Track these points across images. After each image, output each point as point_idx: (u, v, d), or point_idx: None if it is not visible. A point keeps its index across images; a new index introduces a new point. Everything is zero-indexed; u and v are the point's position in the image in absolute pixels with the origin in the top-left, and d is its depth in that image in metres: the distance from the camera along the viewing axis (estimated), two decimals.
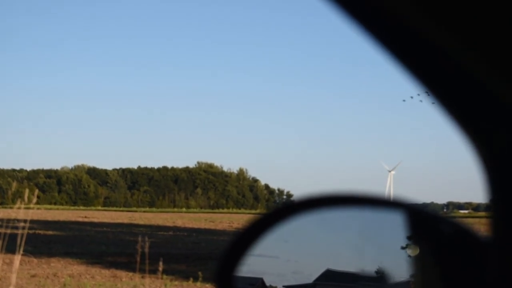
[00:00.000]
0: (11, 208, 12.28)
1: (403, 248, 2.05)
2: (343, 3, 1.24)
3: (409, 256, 2.04)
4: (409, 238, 2.02)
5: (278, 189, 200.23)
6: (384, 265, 2.12)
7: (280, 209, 2.21)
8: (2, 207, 14.09)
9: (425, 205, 2.05)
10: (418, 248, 1.99)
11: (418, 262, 2.01)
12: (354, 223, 2.14)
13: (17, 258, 11.78)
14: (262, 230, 2.13)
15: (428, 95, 1.46)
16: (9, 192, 15.11)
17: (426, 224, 1.98)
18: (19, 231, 11.92)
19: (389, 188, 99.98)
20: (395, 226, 2.01)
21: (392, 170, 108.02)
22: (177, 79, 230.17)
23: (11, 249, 11.83)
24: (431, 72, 1.36)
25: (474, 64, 1.15)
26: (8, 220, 11.82)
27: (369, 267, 2.14)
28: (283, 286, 2.32)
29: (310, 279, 2.23)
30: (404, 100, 49.75)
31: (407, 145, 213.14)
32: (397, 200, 2.00)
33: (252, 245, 2.14)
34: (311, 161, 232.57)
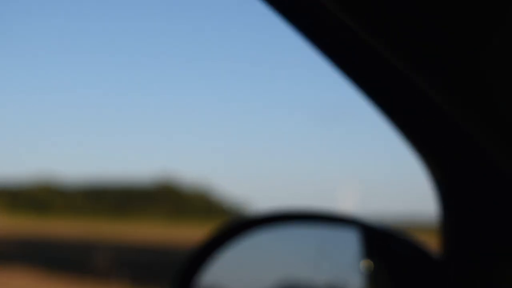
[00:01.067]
0: None
1: (356, 265, 2.06)
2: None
3: (363, 272, 2.05)
4: (363, 254, 2.04)
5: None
6: (337, 281, 2.12)
7: (236, 226, 2.21)
8: None
9: (379, 222, 2.06)
10: (372, 264, 2.00)
11: (372, 279, 2.03)
12: (308, 239, 2.14)
13: None
14: (217, 247, 2.12)
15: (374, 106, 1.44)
16: None
17: (379, 241, 1.99)
18: None
19: (343, 203, 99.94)
20: (349, 242, 2.02)
21: (347, 185, 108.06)
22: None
23: None
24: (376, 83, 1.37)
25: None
26: None
27: (321, 283, 2.14)
28: None
29: None
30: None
31: (361, 159, 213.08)
32: (351, 217, 2.01)
33: (208, 263, 2.13)
34: (264, 173, 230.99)
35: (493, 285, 1.42)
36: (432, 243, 1.83)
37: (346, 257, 2.11)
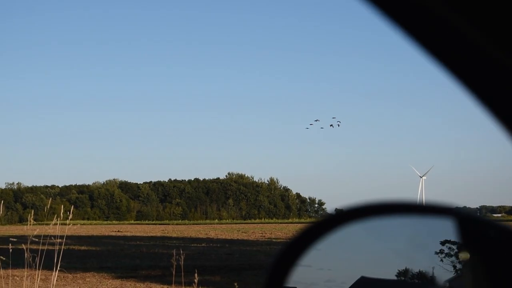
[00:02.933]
0: (46, 224, 12.34)
1: (445, 252, 2.02)
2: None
3: (459, 262, 2.01)
4: (459, 244, 1.99)
5: (310, 198, 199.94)
6: (424, 270, 2.09)
7: (331, 218, 2.19)
8: (37, 224, 14.16)
9: (473, 211, 2.01)
10: (469, 253, 1.95)
11: (469, 268, 1.97)
12: (397, 231, 2.12)
13: (54, 275, 11.85)
14: (311, 239, 2.11)
15: (470, 94, 1.43)
16: (45, 209, 15.20)
17: (476, 229, 1.94)
18: (55, 247, 11.99)
19: (421, 193, 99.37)
20: (443, 232, 1.99)
21: (424, 175, 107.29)
22: (205, 92, 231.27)
23: (46, 265, 11.90)
24: (471, 71, 1.33)
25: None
26: (44, 237, 11.89)
27: (408, 273, 2.11)
28: None
29: (343, 287, 2.21)
30: (307, 128, 50.89)
31: (438, 150, 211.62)
32: (445, 207, 1.97)
33: (302, 255, 2.13)
34: (341, 169, 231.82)
35: None
36: None
37: (438, 246, 2.07)
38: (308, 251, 2.12)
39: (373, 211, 2.02)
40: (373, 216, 2.03)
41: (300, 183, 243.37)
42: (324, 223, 2.13)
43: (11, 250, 11.47)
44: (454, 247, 1.98)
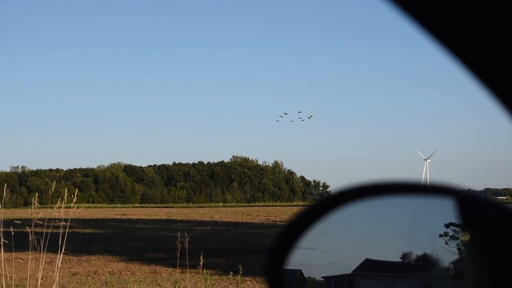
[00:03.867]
0: (51, 208, 12.35)
1: (450, 235, 2.01)
2: None
3: (460, 243, 1.99)
4: (459, 224, 1.97)
5: (314, 181, 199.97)
6: (428, 252, 2.08)
7: (327, 199, 2.18)
8: (42, 207, 14.16)
9: (478, 193, 2.00)
10: (469, 234, 1.94)
11: (469, 249, 1.96)
12: (400, 211, 2.10)
13: (59, 257, 11.87)
14: (309, 221, 2.10)
15: (474, 78, 1.42)
16: (49, 192, 15.22)
17: (477, 209, 1.93)
18: (60, 231, 12.01)
19: (425, 176, 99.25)
20: (444, 213, 1.97)
21: (428, 158, 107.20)
22: (209, 75, 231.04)
23: (51, 248, 11.92)
24: (476, 54, 1.32)
25: None
26: (49, 220, 11.90)
27: (412, 255, 2.10)
28: (322, 277, 2.29)
29: (348, 270, 2.21)
30: (277, 121, 51.30)
31: (442, 132, 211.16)
32: (446, 186, 1.95)
33: (300, 237, 2.11)
34: (344, 151, 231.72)
35: None
36: None
37: (441, 227, 2.05)
38: (307, 233, 2.11)
39: (373, 191, 2.00)
40: (373, 196, 2.01)
41: (305, 166, 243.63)
42: (322, 204, 2.12)
43: (13, 233, 11.48)
44: (458, 229, 1.97)
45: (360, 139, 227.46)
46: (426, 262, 2.08)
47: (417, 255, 2.08)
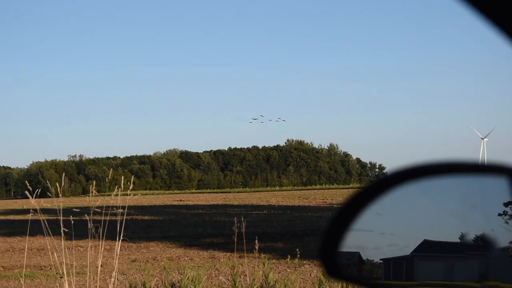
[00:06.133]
0: (108, 195, 12.48)
1: (509, 214, 1.97)
2: None
3: None
4: None
5: (370, 163, 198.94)
6: (486, 232, 2.04)
7: (379, 181, 2.15)
8: (100, 195, 14.32)
9: None
10: None
11: None
12: (456, 191, 2.06)
13: (118, 244, 12.00)
14: (363, 204, 2.07)
15: None
16: (107, 180, 15.46)
17: None
18: (118, 218, 12.14)
19: (482, 155, 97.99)
20: (499, 192, 1.93)
21: (485, 137, 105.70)
22: (257, 60, 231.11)
23: (110, 235, 12.06)
24: None
25: None
26: (107, 207, 12.04)
27: (470, 235, 2.06)
28: (380, 260, 2.27)
29: (406, 251, 2.18)
30: (250, 122, 51.31)
31: (499, 111, 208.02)
32: (500, 165, 1.91)
33: (353, 220, 2.09)
34: (400, 132, 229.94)
35: None
36: None
37: (495, 207, 2.01)
38: (361, 216, 2.09)
39: (425, 172, 1.96)
40: (425, 177, 1.97)
41: (360, 148, 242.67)
42: (374, 187, 2.09)
43: (72, 222, 11.63)
44: (509, 206, 1.93)
45: (415, 119, 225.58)
46: (484, 242, 2.04)
47: (476, 235, 2.04)
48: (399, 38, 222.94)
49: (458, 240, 2.08)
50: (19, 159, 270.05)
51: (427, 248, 2.13)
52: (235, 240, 15.23)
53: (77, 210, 12.70)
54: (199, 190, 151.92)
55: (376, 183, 2.12)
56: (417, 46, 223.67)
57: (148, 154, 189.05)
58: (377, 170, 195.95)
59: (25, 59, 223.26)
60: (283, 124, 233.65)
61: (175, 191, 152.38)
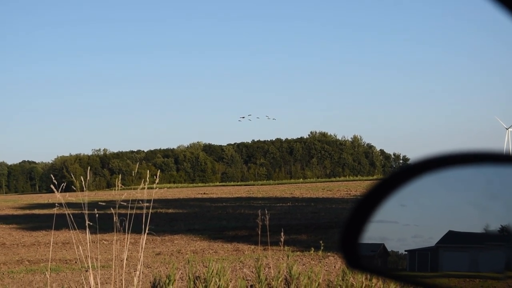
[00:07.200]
0: (134, 189, 12.53)
1: None
2: None
3: None
4: None
5: (394, 154, 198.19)
6: (510, 223, 2.03)
7: (399, 172, 2.14)
8: (125, 189, 14.38)
9: None
10: None
11: None
12: (477, 181, 2.05)
13: (143, 238, 12.04)
14: (382, 195, 2.07)
15: None
16: (133, 173, 15.66)
17: None
18: (143, 211, 12.18)
19: (507, 146, 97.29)
20: None
21: (510, 127, 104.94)
22: (282, 52, 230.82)
23: (135, 229, 12.12)
24: None
25: None
26: (132, 201, 12.09)
27: (493, 226, 2.05)
28: (405, 251, 2.27)
29: (431, 242, 2.18)
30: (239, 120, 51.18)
31: None
32: None
33: (373, 211, 2.09)
34: (424, 123, 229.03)
35: None
36: None
37: None
38: (382, 207, 2.08)
39: (448, 162, 1.95)
40: (448, 167, 1.96)
41: (384, 139, 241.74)
42: (394, 178, 2.08)
43: (97, 216, 11.68)
44: None
45: (439, 110, 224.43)
46: (508, 232, 2.03)
47: (501, 226, 2.03)
48: (421, 27, 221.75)
49: (482, 231, 2.07)
50: (44, 153, 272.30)
51: (452, 239, 2.13)
52: (259, 233, 15.24)
53: (103, 203, 12.76)
54: (223, 183, 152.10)
55: (397, 174, 2.11)
56: (440, 36, 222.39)
57: (171, 148, 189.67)
58: (401, 161, 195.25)
59: (48, 54, 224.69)
60: (307, 116, 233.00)
61: (199, 184, 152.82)
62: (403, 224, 2.21)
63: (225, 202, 59.44)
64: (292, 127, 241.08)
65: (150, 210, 12.39)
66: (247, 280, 15.36)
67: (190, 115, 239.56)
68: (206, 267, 14.35)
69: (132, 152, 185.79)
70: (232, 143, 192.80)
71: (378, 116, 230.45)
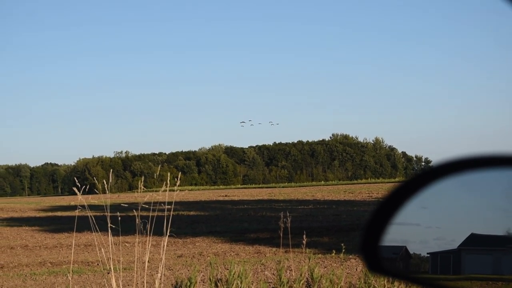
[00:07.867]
0: (156, 191, 12.56)
1: None
2: None
3: None
4: None
5: (416, 156, 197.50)
6: None
7: (420, 175, 2.13)
8: (147, 191, 14.45)
9: None
10: None
11: None
12: (499, 184, 2.04)
13: (165, 240, 12.07)
14: (403, 198, 2.07)
15: None
16: (155, 176, 15.68)
17: None
18: (164, 214, 12.21)
19: None
20: None
21: None
22: (304, 54, 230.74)
23: (156, 231, 12.15)
24: None
25: None
26: (154, 203, 12.12)
27: None
28: (428, 254, 2.27)
29: (453, 245, 2.18)
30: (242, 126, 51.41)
31: None
32: None
33: (394, 214, 2.08)
34: (446, 125, 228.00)
35: None
36: None
37: None
38: (403, 210, 2.08)
39: (469, 165, 1.94)
40: (470, 170, 1.96)
41: (406, 141, 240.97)
42: (415, 180, 2.08)
43: (119, 218, 11.71)
44: None
45: (461, 112, 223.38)
46: None
47: None
48: (439, 31, 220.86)
49: (504, 234, 2.06)
50: (66, 156, 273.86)
51: (475, 241, 2.12)
52: (281, 235, 15.24)
53: (126, 205, 12.83)
54: (245, 185, 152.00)
55: (419, 176, 2.11)
56: (459, 40, 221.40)
57: (193, 150, 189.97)
58: (423, 163, 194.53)
59: (69, 57, 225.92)
60: (330, 119, 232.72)
61: (221, 186, 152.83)
62: (425, 226, 2.21)
63: (247, 204, 59.38)
64: (313, 129, 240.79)
65: (172, 213, 12.41)
66: (268, 282, 15.35)
67: (212, 117, 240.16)
68: (228, 269, 14.35)
69: (154, 154, 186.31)
70: (254, 146, 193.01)
71: (400, 118, 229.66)
